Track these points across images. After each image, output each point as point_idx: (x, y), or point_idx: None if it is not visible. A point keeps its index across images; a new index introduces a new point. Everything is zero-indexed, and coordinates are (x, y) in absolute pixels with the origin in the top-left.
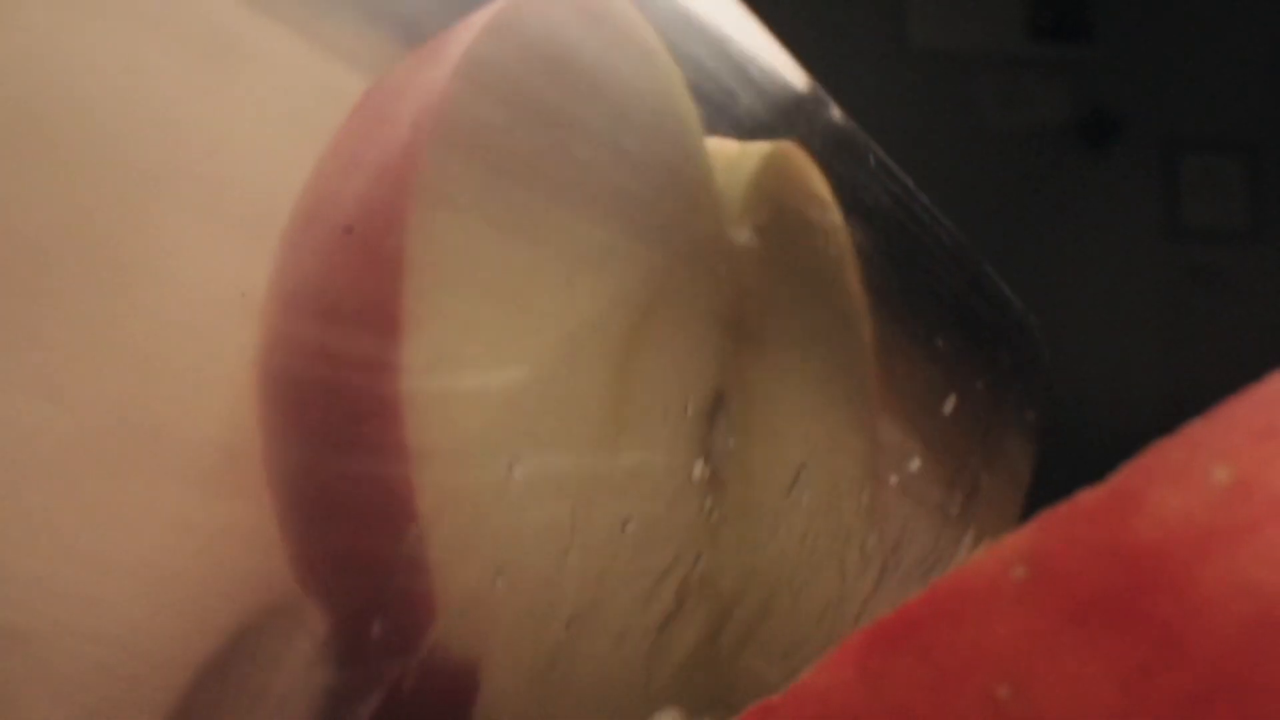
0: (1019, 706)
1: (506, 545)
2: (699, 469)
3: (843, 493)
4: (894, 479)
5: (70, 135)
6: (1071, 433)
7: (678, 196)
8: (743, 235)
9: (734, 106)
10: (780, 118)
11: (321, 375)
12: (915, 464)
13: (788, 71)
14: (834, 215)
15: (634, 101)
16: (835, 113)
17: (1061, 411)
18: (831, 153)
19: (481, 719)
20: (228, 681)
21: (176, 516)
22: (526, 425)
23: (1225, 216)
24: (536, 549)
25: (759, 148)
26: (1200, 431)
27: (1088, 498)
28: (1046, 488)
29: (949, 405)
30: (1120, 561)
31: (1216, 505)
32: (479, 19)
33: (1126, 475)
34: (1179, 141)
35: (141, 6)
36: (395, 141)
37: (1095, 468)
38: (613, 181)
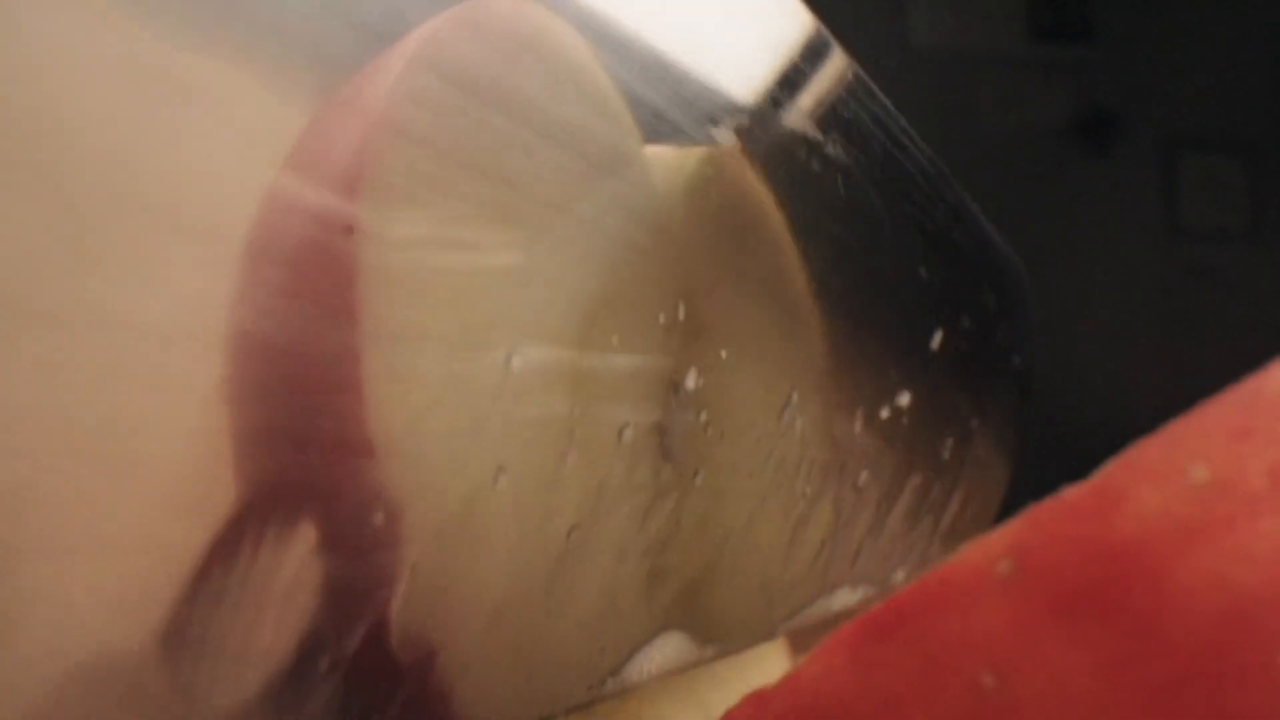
0: (1003, 695)
1: (507, 440)
2: (692, 378)
3: (830, 420)
4: (884, 412)
5: (34, 173)
6: (1071, 432)
7: (616, 198)
8: (684, 233)
9: (671, 114)
10: (714, 122)
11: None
12: (905, 398)
13: (732, 74)
14: (773, 214)
15: (564, 111)
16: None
17: (1061, 411)
18: (784, 140)
19: (486, 631)
20: (230, 579)
21: (173, 421)
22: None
23: (1225, 216)
24: (537, 447)
25: (696, 152)
26: (1179, 431)
27: (1071, 494)
28: (1046, 486)
29: (936, 340)
30: (1101, 556)
31: (1194, 502)
32: (405, 47)
33: (1108, 473)
34: (1178, 141)
35: (93, 56)
36: (344, 152)
37: (1094, 467)
38: (549, 188)
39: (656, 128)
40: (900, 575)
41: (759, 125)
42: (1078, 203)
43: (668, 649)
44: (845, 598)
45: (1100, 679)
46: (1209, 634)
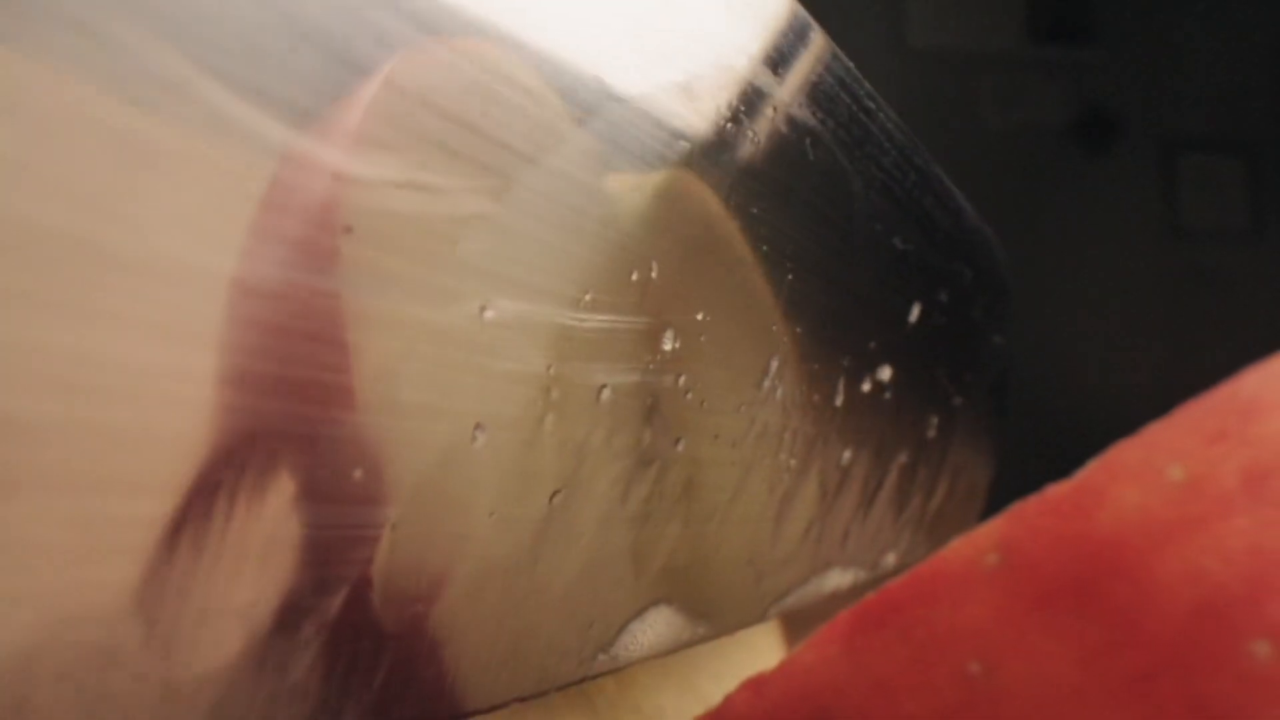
0: (988, 682)
1: (484, 396)
2: (669, 340)
3: (811, 390)
4: (866, 385)
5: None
6: (1070, 431)
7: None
8: (646, 258)
9: (628, 142)
10: (677, 150)
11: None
12: (886, 372)
13: (688, 102)
14: (736, 238)
15: (523, 136)
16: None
17: (1060, 410)
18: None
19: (470, 597)
20: (207, 528)
21: (153, 360)
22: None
23: (1224, 216)
24: (514, 404)
25: (653, 179)
26: (1157, 433)
27: (1055, 491)
28: (1045, 485)
29: (914, 313)
30: (1082, 551)
31: (1170, 501)
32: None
33: (1090, 471)
34: (1178, 141)
35: (65, 127)
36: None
37: None
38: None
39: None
40: (891, 559)
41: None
42: (1077, 203)
43: (658, 624)
44: (836, 579)
45: (1081, 668)
46: (1183, 626)
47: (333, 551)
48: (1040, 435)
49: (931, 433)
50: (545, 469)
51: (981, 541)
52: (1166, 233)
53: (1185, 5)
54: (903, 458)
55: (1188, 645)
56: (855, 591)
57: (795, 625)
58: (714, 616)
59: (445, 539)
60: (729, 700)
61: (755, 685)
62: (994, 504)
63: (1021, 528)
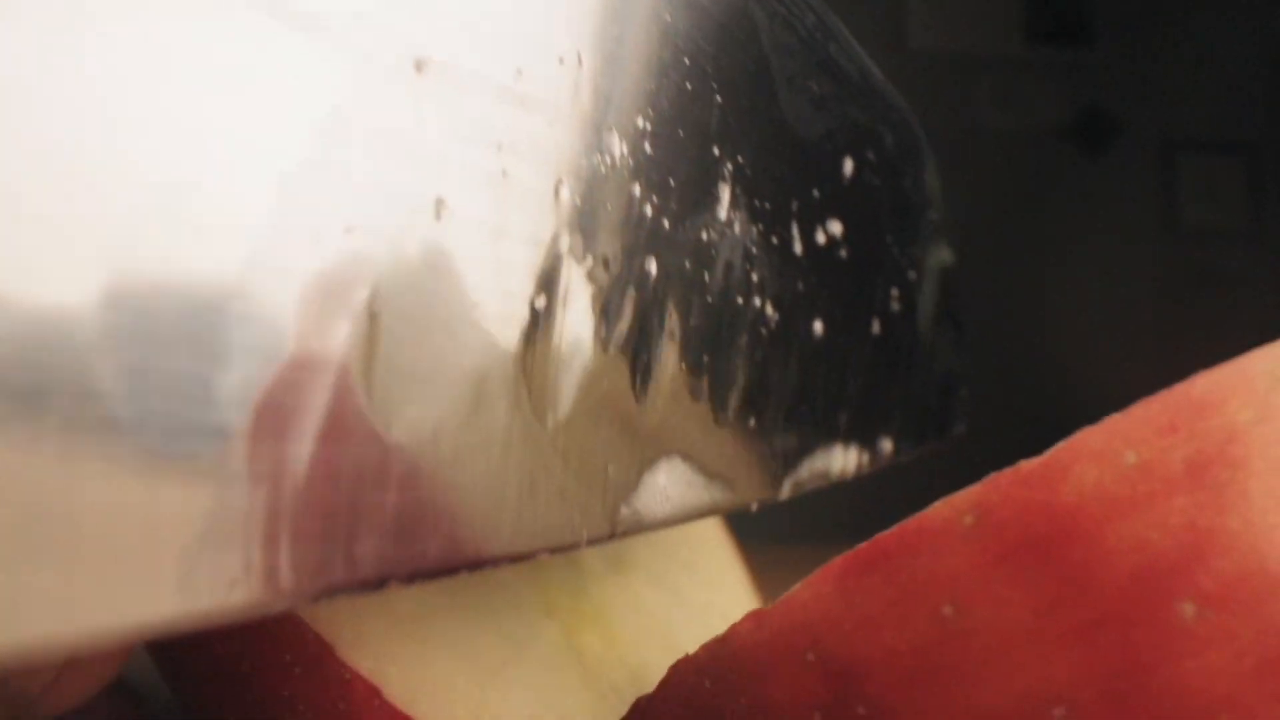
0: (958, 622)
1: (443, 171)
2: (617, 143)
3: (770, 230)
4: (820, 236)
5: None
6: (1069, 430)
7: None
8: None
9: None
10: None
11: None
12: (836, 226)
13: None
14: (659, 38)
15: None
16: None
17: (1059, 410)
18: None
19: (467, 422)
20: None
21: None
22: None
23: (1223, 216)
24: (475, 186)
25: None
26: (1118, 422)
27: (1026, 466)
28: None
29: (847, 167)
30: (1045, 517)
31: (1123, 480)
32: None
33: (1057, 451)
34: (1177, 142)
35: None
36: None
37: None
38: None
39: None
40: (887, 445)
41: None
42: (1076, 203)
43: (675, 480)
44: (841, 460)
45: (1036, 615)
46: (1125, 585)
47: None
48: (1040, 435)
49: (896, 305)
50: (518, 261)
51: (960, 504)
52: (1165, 232)
53: (1183, 6)
54: (875, 327)
55: (1127, 601)
56: (858, 482)
57: (771, 585)
58: (729, 479)
59: (428, 337)
60: (733, 630)
61: (756, 618)
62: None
63: (995, 494)
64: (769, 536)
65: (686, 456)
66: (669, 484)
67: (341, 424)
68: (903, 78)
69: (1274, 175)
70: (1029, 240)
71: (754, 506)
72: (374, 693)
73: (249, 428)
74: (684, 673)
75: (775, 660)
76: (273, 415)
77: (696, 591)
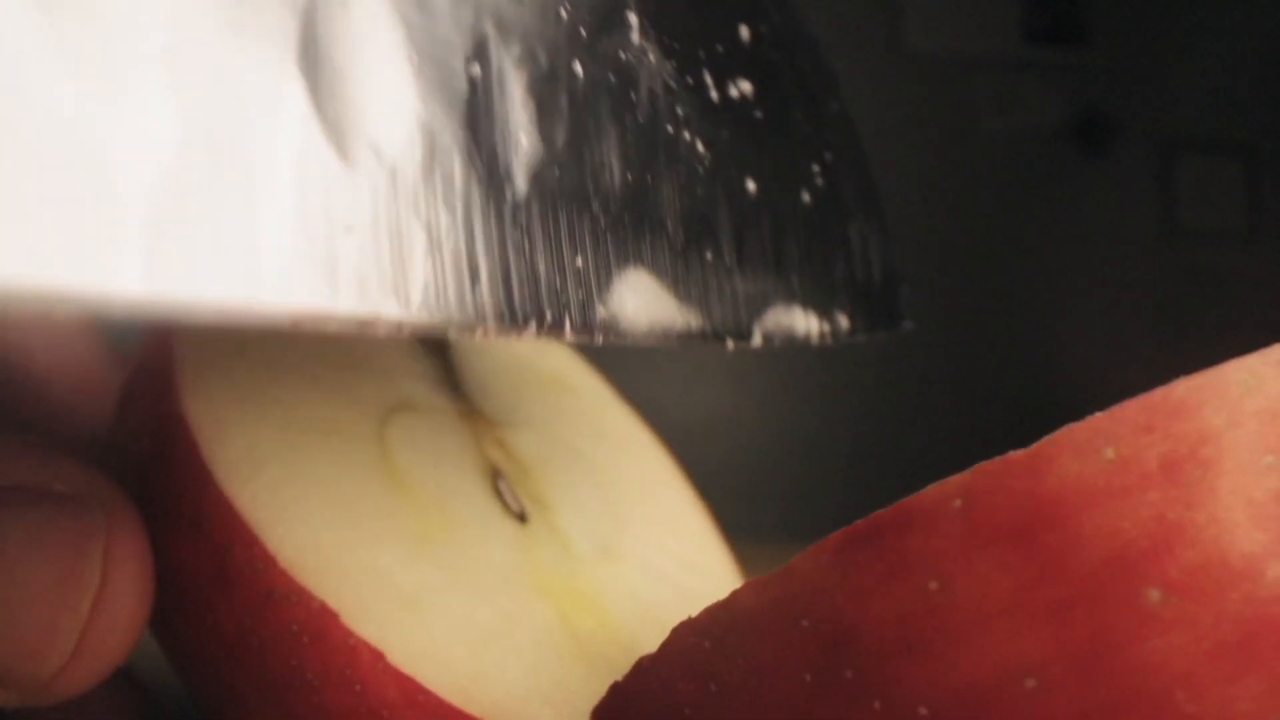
0: (943, 596)
1: None
2: None
3: (684, 68)
4: (733, 90)
5: None
6: None
7: None
8: None
9: None
10: None
11: None
12: (746, 85)
13: None
14: None
15: None
16: None
17: (1058, 411)
18: None
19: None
20: None
21: None
22: None
23: (1222, 217)
24: None
25: None
26: (1100, 421)
27: (1013, 457)
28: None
29: (744, 32)
30: (1029, 504)
31: (1102, 474)
32: None
33: (1043, 444)
34: (1175, 143)
35: None
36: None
37: None
38: None
39: None
40: (844, 321)
41: None
42: (1075, 205)
43: (644, 287)
44: (803, 321)
45: (1014, 592)
46: (1097, 570)
47: None
48: (1038, 434)
49: (820, 182)
50: (443, 34)
51: (950, 488)
52: (1163, 234)
53: (1181, 7)
54: (806, 197)
55: (1099, 584)
56: (821, 351)
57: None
58: (699, 305)
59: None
60: (734, 595)
61: (756, 585)
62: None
63: (983, 481)
64: (758, 534)
65: (653, 271)
66: (640, 294)
67: None
68: (900, 79)
69: (1272, 176)
70: (1027, 242)
71: (730, 345)
72: (378, 657)
73: None
74: (685, 634)
75: (771, 625)
76: None
77: (686, 579)
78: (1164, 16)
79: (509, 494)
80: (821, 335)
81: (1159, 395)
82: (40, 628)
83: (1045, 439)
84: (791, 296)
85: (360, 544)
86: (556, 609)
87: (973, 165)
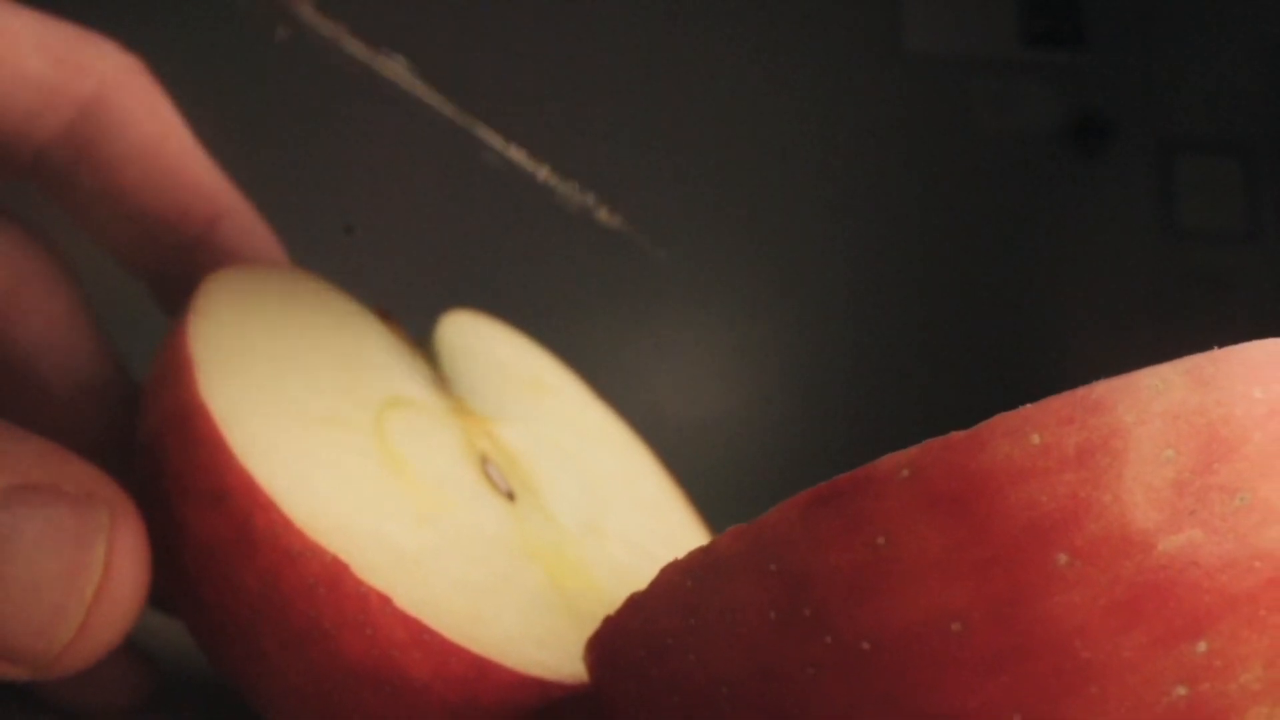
0: (888, 549)
1: None
2: None
3: None
4: None
5: None
6: None
7: None
8: None
9: None
10: None
11: None
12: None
13: None
14: None
15: None
16: None
17: None
18: None
19: None
20: None
21: None
22: None
23: (1221, 218)
24: None
25: None
26: (1031, 411)
27: (954, 436)
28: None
29: None
30: (964, 476)
31: (1027, 455)
32: None
33: (980, 428)
34: (1174, 144)
35: None
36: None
37: None
38: None
39: None
40: None
41: None
42: (1074, 206)
43: None
44: None
45: (946, 551)
46: (1017, 536)
47: None
48: None
49: None
50: None
51: (901, 459)
52: (1162, 234)
53: (1178, 8)
54: None
55: (1017, 548)
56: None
57: None
58: None
59: None
60: (714, 542)
61: (734, 533)
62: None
63: (928, 455)
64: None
65: None
66: None
67: None
68: (899, 82)
69: (1271, 176)
70: (1026, 243)
71: None
72: (386, 601)
73: None
74: (671, 573)
75: (745, 567)
76: None
77: (667, 555)
78: (1161, 18)
79: (498, 476)
80: None
81: (1081, 393)
82: (49, 611)
83: (982, 423)
84: None
85: (365, 513)
86: (547, 573)
87: (971, 167)
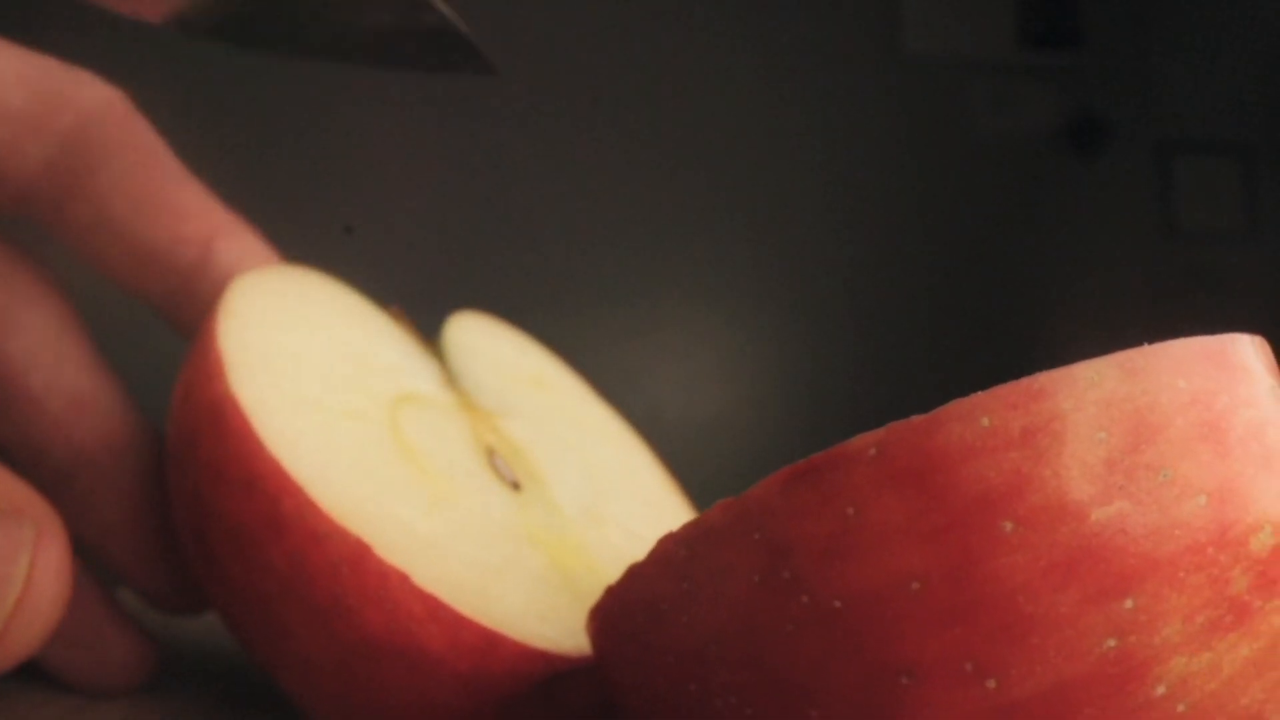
0: (856, 519)
1: None
2: None
3: None
4: None
5: None
6: None
7: None
8: None
9: None
10: None
11: None
12: None
13: None
14: None
15: None
16: None
17: None
18: None
19: None
20: None
21: None
22: None
23: (1220, 218)
24: None
25: None
26: (982, 397)
27: (914, 419)
28: None
29: None
30: (923, 454)
31: (978, 436)
32: None
33: (938, 412)
34: (1172, 144)
35: None
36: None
37: None
38: None
39: None
40: None
41: None
42: (1073, 206)
43: None
44: None
45: (907, 519)
46: (967, 506)
47: None
48: None
49: None
50: None
51: (869, 439)
52: (1161, 234)
53: (1175, 10)
54: None
55: (968, 516)
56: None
57: None
58: None
59: None
60: (705, 514)
61: (724, 505)
62: None
63: (893, 436)
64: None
65: None
66: None
67: None
68: (898, 83)
69: (1269, 176)
70: (1026, 243)
71: None
72: (404, 578)
73: None
74: (667, 544)
75: (733, 536)
76: None
77: None
78: (1158, 19)
79: (504, 467)
80: None
81: (1026, 382)
82: None
83: (940, 408)
84: None
85: (384, 499)
86: (550, 556)
87: (970, 168)
